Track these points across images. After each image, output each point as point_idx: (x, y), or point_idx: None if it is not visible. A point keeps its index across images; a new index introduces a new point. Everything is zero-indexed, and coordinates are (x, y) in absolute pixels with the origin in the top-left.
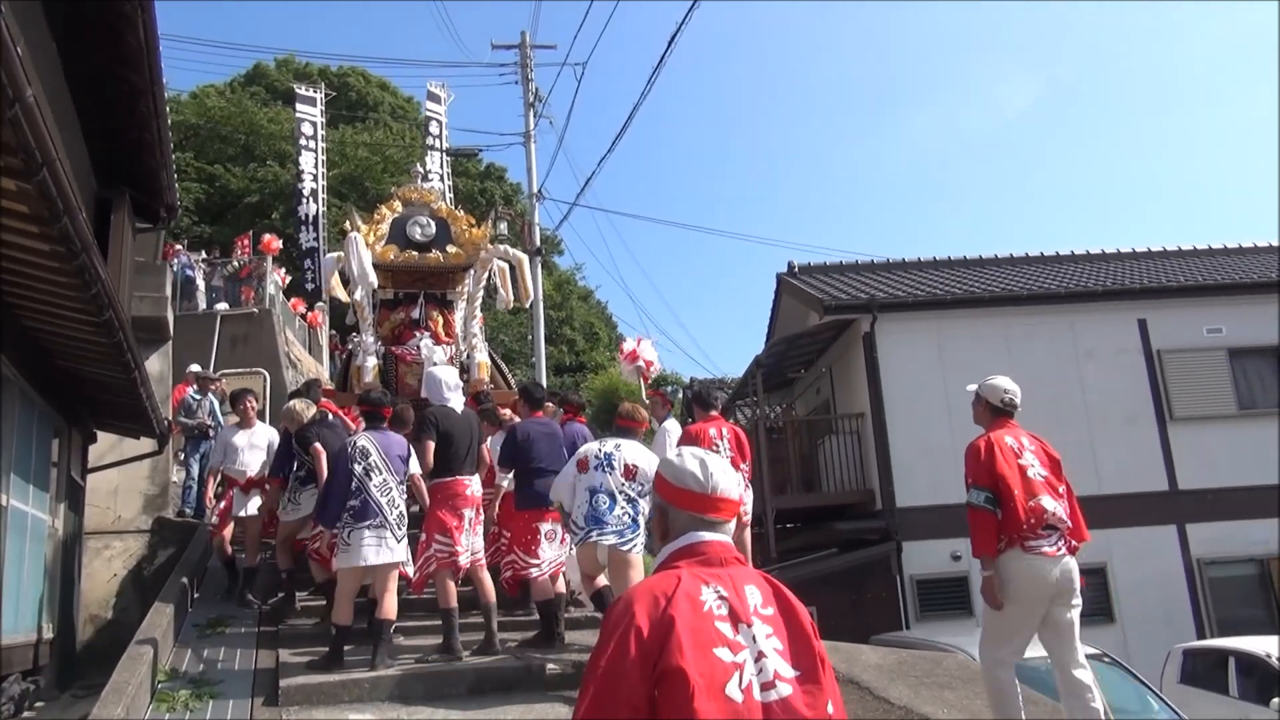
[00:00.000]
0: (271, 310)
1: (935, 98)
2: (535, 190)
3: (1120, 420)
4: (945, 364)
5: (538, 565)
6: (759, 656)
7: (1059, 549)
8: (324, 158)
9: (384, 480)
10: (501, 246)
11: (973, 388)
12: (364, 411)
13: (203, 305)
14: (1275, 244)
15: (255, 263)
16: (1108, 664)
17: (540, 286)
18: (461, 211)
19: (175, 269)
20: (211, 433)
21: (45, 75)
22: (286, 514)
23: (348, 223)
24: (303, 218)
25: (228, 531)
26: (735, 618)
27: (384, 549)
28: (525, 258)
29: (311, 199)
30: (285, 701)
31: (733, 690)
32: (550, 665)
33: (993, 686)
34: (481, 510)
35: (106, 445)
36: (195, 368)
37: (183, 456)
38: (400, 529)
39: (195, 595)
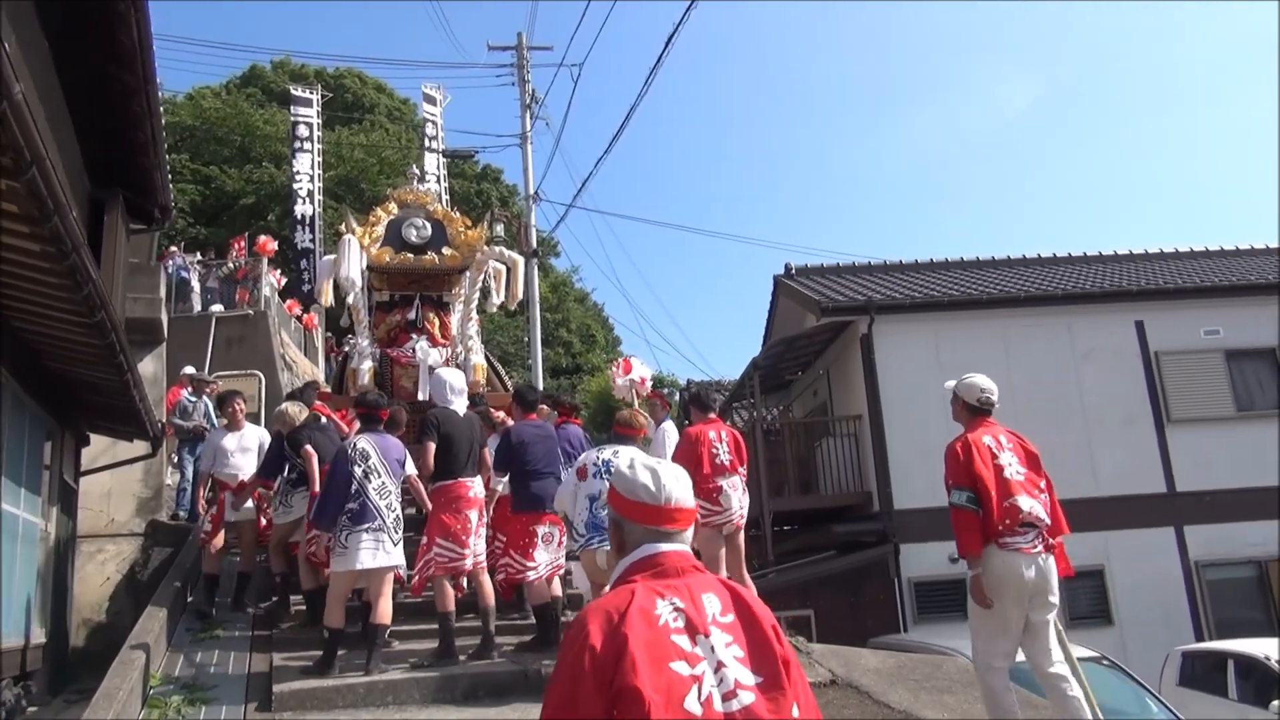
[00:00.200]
0: (267, 312)
1: (935, 98)
2: (532, 192)
3: (1118, 422)
4: (943, 365)
5: (534, 568)
6: (719, 666)
7: (1035, 546)
8: (320, 159)
9: (383, 483)
10: (497, 248)
11: (950, 385)
12: (360, 414)
13: (198, 307)
14: (1272, 245)
15: (250, 264)
16: (1106, 666)
17: (537, 289)
18: (457, 213)
19: (170, 271)
20: (207, 435)
21: (37, 74)
22: (278, 516)
23: (343, 225)
24: (298, 219)
25: (219, 540)
26: (693, 629)
27: (381, 552)
28: (521, 259)
29: (307, 200)
30: (279, 707)
31: (692, 703)
32: (547, 669)
33: (986, 689)
34: (484, 513)
35: (100, 448)
36: (190, 370)
37: (177, 459)
38: (397, 532)
39: (189, 599)
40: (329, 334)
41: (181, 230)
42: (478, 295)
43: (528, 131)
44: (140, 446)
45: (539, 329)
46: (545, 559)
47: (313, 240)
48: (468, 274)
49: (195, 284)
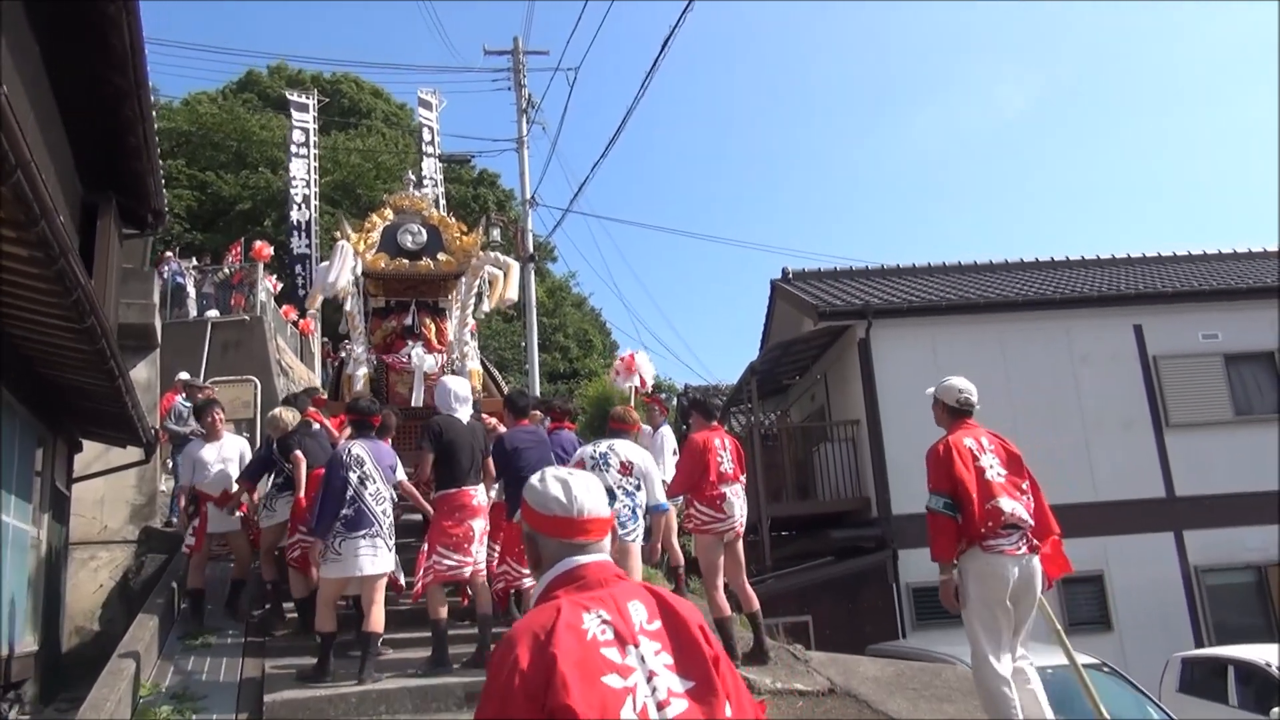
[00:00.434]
0: (263, 317)
1: (933, 98)
2: (528, 196)
3: (1116, 426)
4: (941, 370)
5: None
6: (650, 676)
7: (1019, 548)
8: (316, 164)
9: (378, 489)
10: (492, 254)
11: (930, 391)
12: (352, 420)
13: (193, 312)
14: (1271, 249)
15: (246, 269)
16: (1106, 673)
17: (534, 294)
18: (453, 218)
19: (166, 276)
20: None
21: (27, 77)
22: (263, 520)
23: (338, 231)
24: (295, 224)
25: (202, 552)
26: (622, 640)
27: (377, 559)
28: (516, 264)
29: (304, 205)
30: (269, 716)
31: (627, 716)
32: None
33: (985, 692)
34: (488, 521)
35: (93, 454)
36: (184, 375)
37: (171, 465)
38: (391, 538)
39: (182, 605)
40: (325, 339)
41: (178, 236)
42: (474, 301)
43: (524, 136)
44: (134, 453)
45: (535, 334)
46: None
47: (309, 245)
48: (463, 279)
49: (191, 289)
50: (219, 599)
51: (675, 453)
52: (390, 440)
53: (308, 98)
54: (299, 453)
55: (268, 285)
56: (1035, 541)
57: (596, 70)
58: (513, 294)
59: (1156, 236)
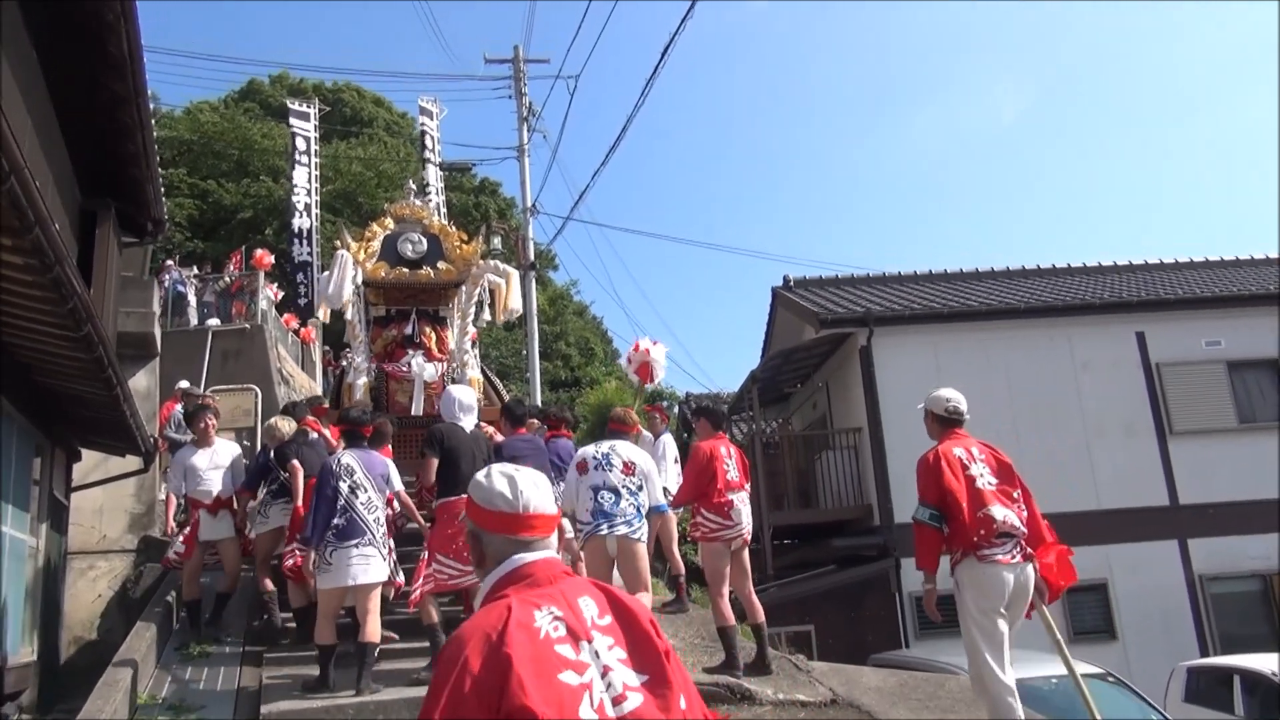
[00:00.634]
0: (263, 326)
1: (933, 99)
2: (529, 204)
3: (1119, 434)
4: (942, 377)
5: None
6: (605, 671)
7: (1013, 556)
8: (317, 173)
9: (369, 498)
10: (492, 262)
11: (921, 406)
12: (344, 430)
13: (194, 321)
14: (1273, 255)
15: (247, 278)
16: (1111, 683)
17: (535, 302)
18: (454, 227)
19: (167, 285)
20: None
21: (24, 84)
22: (256, 527)
23: (338, 241)
24: (296, 233)
25: (195, 560)
26: (575, 636)
27: (369, 568)
28: (515, 273)
29: (305, 214)
30: None
31: (585, 713)
32: None
33: (987, 699)
34: None
35: (92, 463)
36: (184, 384)
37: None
38: (384, 547)
39: (181, 614)
40: (327, 348)
41: (179, 244)
42: (474, 309)
43: (525, 144)
44: (132, 462)
45: (536, 342)
46: None
47: (310, 254)
48: (464, 288)
49: (192, 298)
50: (207, 609)
51: (676, 460)
52: (389, 449)
53: (308, 106)
54: (295, 462)
55: (269, 294)
56: (1029, 550)
57: (597, 77)
58: (516, 303)
59: (1157, 242)
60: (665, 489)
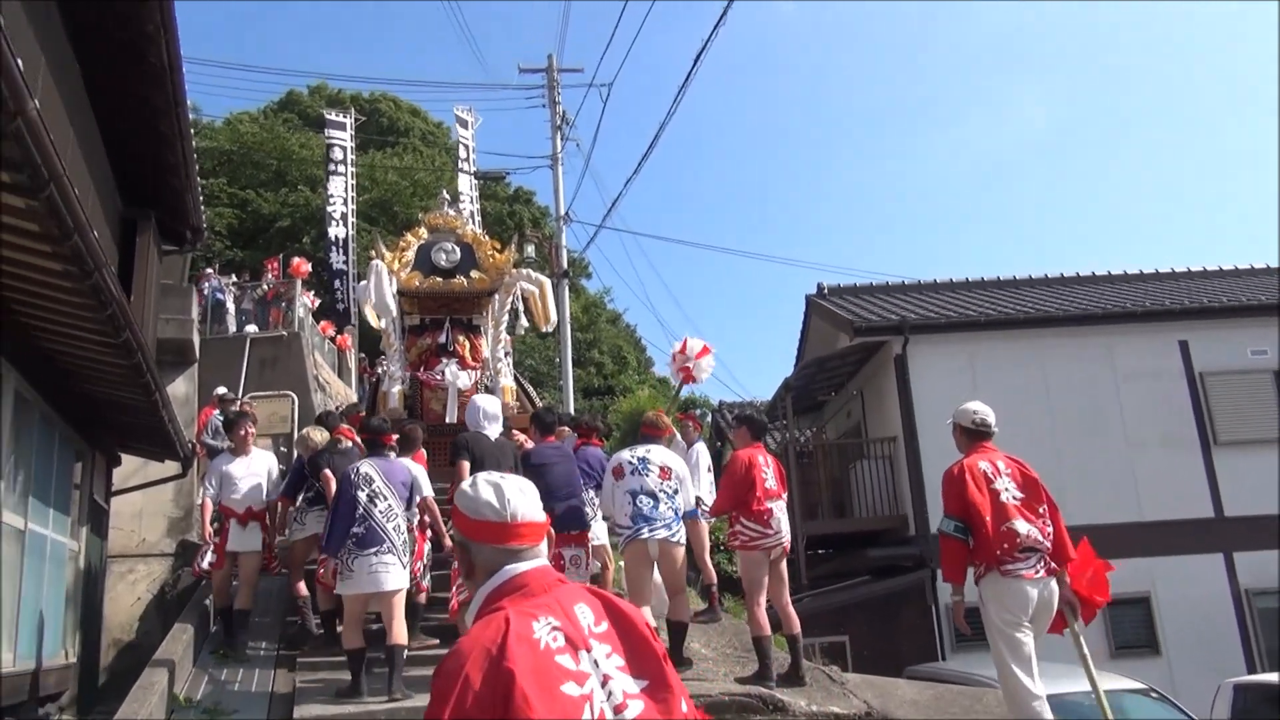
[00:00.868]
0: (300, 333)
1: (969, 114)
2: (563, 213)
3: (1162, 445)
4: (979, 386)
5: None
6: (605, 680)
7: (1037, 571)
8: (354, 182)
9: (389, 506)
10: (525, 270)
11: (949, 421)
12: (365, 439)
13: (233, 328)
14: None
15: (284, 285)
16: (1155, 699)
17: (568, 310)
18: (487, 236)
19: (206, 292)
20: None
21: (66, 94)
22: (293, 533)
23: (373, 251)
24: (332, 241)
25: (224, 571)
26: (574, 646)
27: (388, 575)
28: (548, 282)
29: (341, 222)
30: None
31: None
32: None
33: (1015, 708)
34: None
35: (131, 468)
36: (221, 390)
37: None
38: (405, 554)
39: (214, 626)
40: (362, 355)
41: (219, 253)
42: (507, 317)
43: (558, 153)
44: (171, 467)
45: (570, 350)
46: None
47: (346, 262)
48: (496, 296)
49: (230, 305)
50: (256, 611)
51: (710, 469)
52: (422, 455)
53: (344, 116)
54: (327, 471)
55: (306, 301)
56: (1053, 565)
57: (631, 85)
58: (552, 313)
59: (1200, 251)
60: (698, 497)
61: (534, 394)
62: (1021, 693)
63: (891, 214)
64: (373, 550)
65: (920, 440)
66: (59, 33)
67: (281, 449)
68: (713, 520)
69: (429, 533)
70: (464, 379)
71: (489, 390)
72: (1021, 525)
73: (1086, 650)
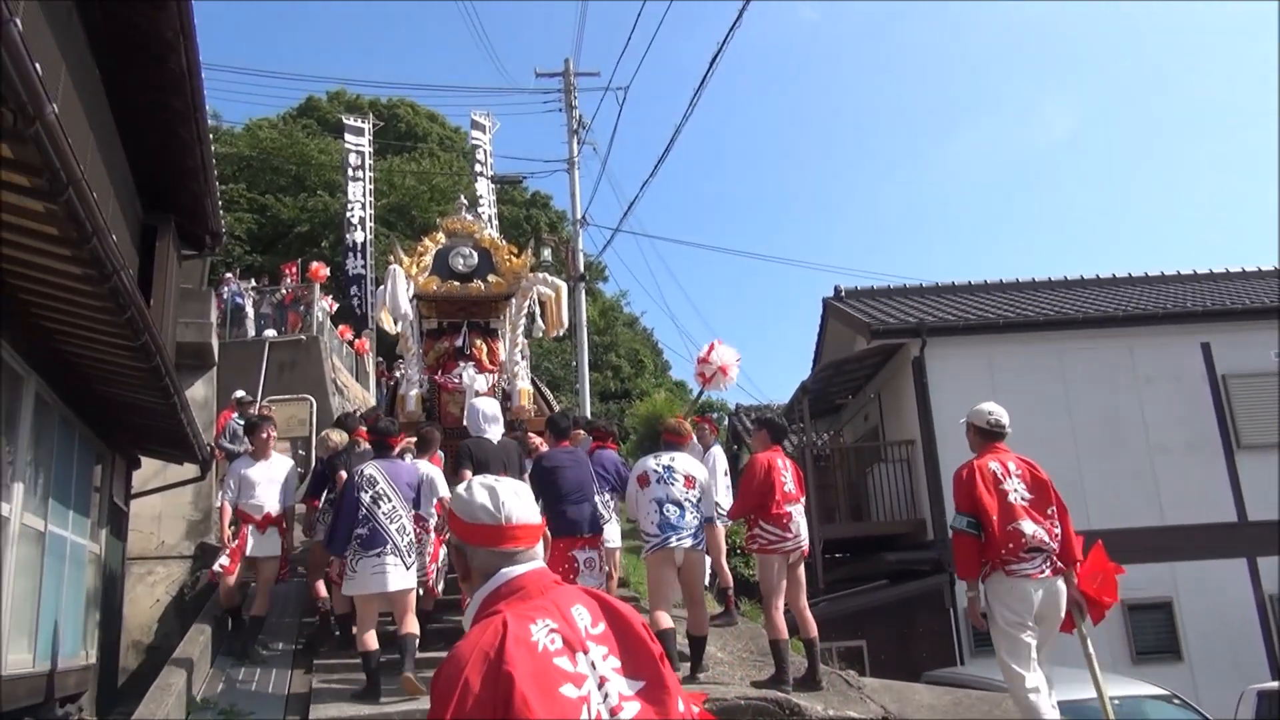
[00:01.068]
0: (319, 337)
1: (985, 116)
2: (579, 216)
3: (1184, 449)
4: (998, 389)
5: None
6: (601, 682)
7: (1042, 571)
8: (372, 187)
9: (393, 508)
10: (541, 274)
11: (963, 420)
12: (372, 441)
13: (252, 332)
14: None
15: (303, 290)
16: (1178, 705)
17: (584, 313)
18: (504, 240)
19: (226, 296)
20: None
21: (86, 99)
22: (316, 534)
23: (391, 255)
24: (350, 246)
25: (234, 574)
26: (571, 648)
27: (392, 576)
28: (564, 286)
29: (359, 227)
30: None
31: None
32: None
33: (1018, 701)
34: None
35: (151, 471)
36: (240, 393)
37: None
38: (410, 555)
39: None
40: (380, 359)
41: (239, 258)
42: (524, 321)
43: (575, 157)
44: (190, 470)
45: (586, 353)
46: (589, 585)
47: (364, 267)
48: (513, 300)
49: (249, 309)
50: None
51: (726, 473)
52: (439, 457)
53: (362, 122)
54: (344, 472)
55: (324, 305)
56: (1059, 565)
57: (647, 89)
58: (565, 318)
59: (1221, 254)
60: (716, 502)
61: (550, 397)
62: (1019, 685)
63: (911, 217)
64: (376, 551)
65: (938, 444)
66: (79, 37)
67: (300, 452)
68: (730, 524)
69: (446, 535)
70: (481, 382)
71: (506, 394)
72: (1028, 526)
73: (1092, 651)
